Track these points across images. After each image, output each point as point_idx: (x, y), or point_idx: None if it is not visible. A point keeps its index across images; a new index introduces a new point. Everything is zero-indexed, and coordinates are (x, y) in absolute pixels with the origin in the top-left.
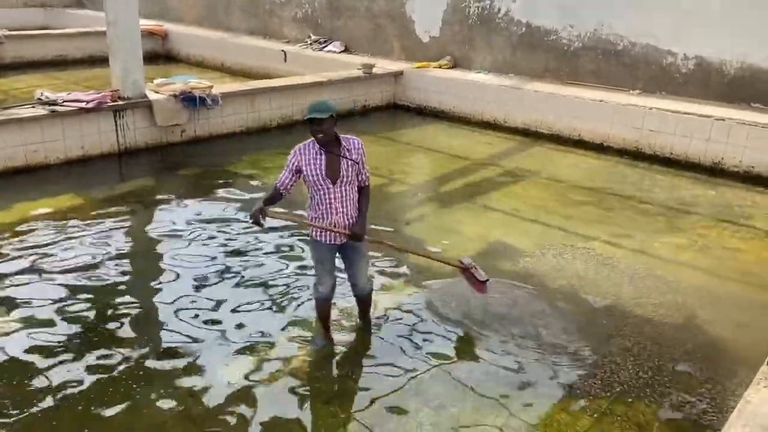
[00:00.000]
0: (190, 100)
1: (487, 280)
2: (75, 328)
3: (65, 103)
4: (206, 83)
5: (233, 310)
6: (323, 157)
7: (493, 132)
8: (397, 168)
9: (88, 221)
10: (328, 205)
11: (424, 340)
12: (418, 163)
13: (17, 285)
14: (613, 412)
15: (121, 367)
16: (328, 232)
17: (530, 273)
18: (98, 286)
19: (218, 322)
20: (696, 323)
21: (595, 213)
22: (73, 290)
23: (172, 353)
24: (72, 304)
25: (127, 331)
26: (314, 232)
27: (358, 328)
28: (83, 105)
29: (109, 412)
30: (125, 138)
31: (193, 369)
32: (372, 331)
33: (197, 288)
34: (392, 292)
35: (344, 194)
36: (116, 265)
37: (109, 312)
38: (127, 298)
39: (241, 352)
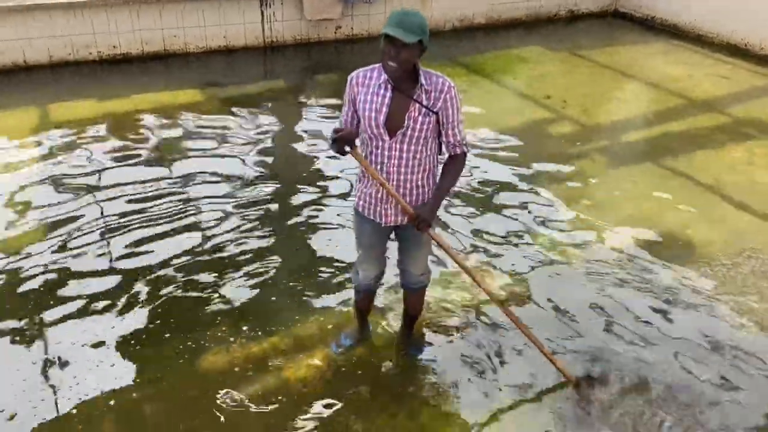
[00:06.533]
0: None
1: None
2: None
3: None
4: None
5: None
6: (389, 94)
7: (739, 61)
8: (575, 99)
9: (198, 119)
10: (379, 167)
11: (498, 369)
12: (608, 96)
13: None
14: None
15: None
16: (377, 205)
17: (703, 291)
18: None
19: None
20: None
21: None
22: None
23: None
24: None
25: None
26: (360, 200)
27: (395, 338)
28: None
29: None
30: (272, 31)
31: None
32: (416, 348)
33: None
34: (466, 291)
35: (404, 154)
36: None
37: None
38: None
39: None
